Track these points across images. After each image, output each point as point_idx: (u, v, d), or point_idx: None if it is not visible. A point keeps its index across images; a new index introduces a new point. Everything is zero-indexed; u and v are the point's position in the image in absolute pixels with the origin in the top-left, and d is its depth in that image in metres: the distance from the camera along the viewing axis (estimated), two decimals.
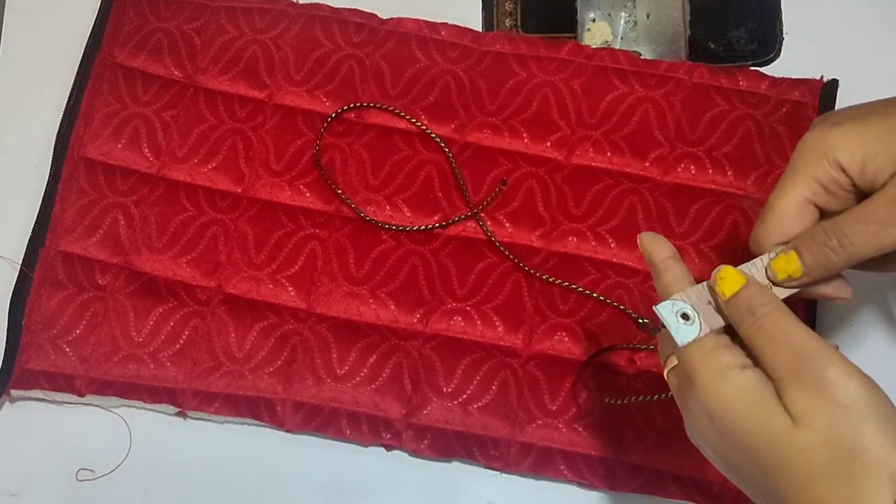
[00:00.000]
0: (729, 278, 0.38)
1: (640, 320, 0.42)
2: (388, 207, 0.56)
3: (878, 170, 0.39)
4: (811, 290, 0.42)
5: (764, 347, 0.36)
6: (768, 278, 0.41)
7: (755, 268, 0.41)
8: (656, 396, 0.50)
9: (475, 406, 0.52)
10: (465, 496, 0.53)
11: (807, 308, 0.54)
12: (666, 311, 0.38)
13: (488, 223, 0.56)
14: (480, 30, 0.61)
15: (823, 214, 0.41)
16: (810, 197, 0.41)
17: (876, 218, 0.39)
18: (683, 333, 0.37)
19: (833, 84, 0.58)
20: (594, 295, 0.54)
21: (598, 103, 0.58)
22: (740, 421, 0.35)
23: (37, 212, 0.56)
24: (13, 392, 0.53)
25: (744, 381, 0.35)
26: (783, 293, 0.41)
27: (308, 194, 0.56)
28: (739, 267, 0.40)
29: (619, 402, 0.51)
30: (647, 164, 0.57)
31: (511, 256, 0.55)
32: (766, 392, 0.35)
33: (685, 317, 0.38)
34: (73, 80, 0.58)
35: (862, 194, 0.41)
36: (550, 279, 0.54)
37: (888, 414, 0.33)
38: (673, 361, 0.39)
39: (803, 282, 0.40)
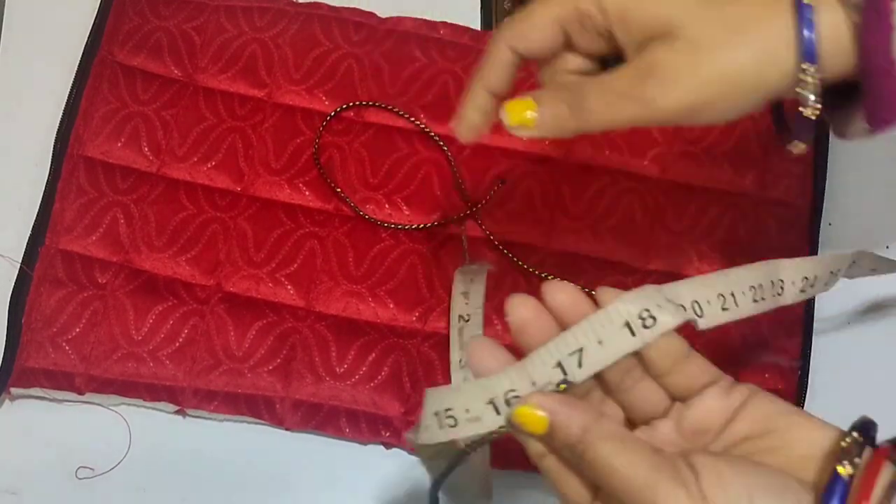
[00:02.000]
0: (527, 417, 0.32)
1: None
2: (387, 206, 0.56)
3: (637, 27, 0.36)
4: None
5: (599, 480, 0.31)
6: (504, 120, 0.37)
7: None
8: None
9: None
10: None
11: (804, 309, 0.54)
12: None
13: (487, 222, 0.56)
14: (479, 28, 0.62)
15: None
16: (561, 18, 0.37)
17: (615, 88, 0.36)
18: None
19: None
20: (593, 293, 0.54)
21: None
22: None
23: (36, 210, 0.56)
24: (13, 390, 0.53)
25: None
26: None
27: (307, 193, 0.56)
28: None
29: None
30: (646, 162, 0.57)
31: (509, 255, 0.55)
32: None
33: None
34: (72, 79, 0.58)
35: (618, 48, 0.37)
36: (549, 277, 0.55)
37: None
38: None
39: (534, 134, 0.37)
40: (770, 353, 0.54)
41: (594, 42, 0.38)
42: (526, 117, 0.37)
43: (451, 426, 0.33)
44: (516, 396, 0.32)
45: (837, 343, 0.55)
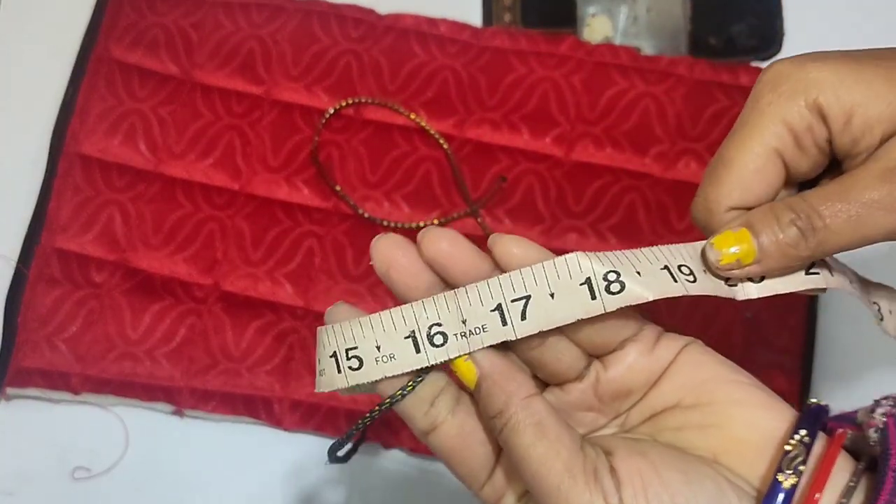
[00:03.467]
0: (461, 366, 0.28)
1: None
2: (386, 204, 0.56)
3: (868, 126, 0.29)
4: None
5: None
6: (707, 266, 0.29)
7: (670, 261, 0.29)
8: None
9: None
10: (464, 495, 0.52)
11: (808, 308, 0.54)
12: None
13: (487, 220, 0.55)
14: (480, 25, 0.61)
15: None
16: (779, 147, 0.31)
17: (863, 197, 0.29)
18: None
19: None
20: None
21: (599, 99, 0.57)
22: None
23: (32, 208, 0.55)
24: (8, 390, 0.52)
25: None
26: (713, 286, 0.29)
27: (305, 191, 0.56)
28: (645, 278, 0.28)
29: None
30: (648, 160, 0.56)
31: None
32: None
33: None
34: (69, 76, 0.57)
35: (833, 159, 0.31)
36: None
37: None
38: None
39: (753, 271, 0.30)
40: (772, 352, 0.53)
41: (806, 161, 0.31)
42: (743, 253, 0.29)
43: (354, 369, 0.27)
44: (441, 333, 0.27)
45: (841, 342, 0.54)
